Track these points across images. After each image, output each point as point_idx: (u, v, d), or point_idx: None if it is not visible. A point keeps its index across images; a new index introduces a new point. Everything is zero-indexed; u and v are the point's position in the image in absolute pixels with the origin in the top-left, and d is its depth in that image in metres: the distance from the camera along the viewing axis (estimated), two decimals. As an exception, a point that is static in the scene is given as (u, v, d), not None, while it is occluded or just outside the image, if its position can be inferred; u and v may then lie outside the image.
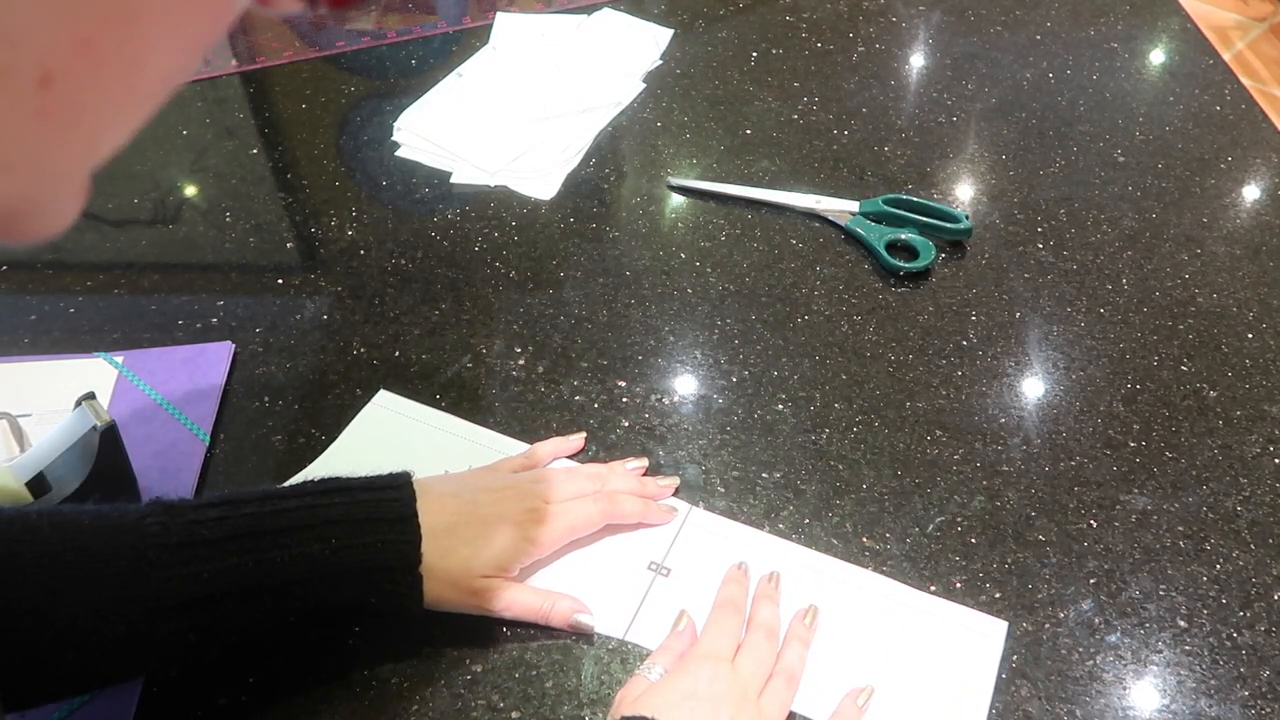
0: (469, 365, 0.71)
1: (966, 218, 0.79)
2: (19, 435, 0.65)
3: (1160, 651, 0.55)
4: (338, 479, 0.54)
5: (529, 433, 0.66)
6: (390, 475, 0.55)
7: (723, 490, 0.63)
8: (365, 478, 0.54)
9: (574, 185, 0.86)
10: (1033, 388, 0.69)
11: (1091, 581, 0.58)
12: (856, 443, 0.65)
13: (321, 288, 0.77)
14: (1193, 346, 0.72)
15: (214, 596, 0.48)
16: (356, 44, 1.04)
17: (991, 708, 0.53)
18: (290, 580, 0.50)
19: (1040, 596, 0.57)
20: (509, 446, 0.65)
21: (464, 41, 1.04)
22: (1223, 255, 0.78)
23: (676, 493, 0.62)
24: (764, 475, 0.63)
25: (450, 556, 0.54)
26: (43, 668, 0.46)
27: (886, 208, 0.81)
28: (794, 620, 0.56)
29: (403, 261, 0.79)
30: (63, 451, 0.54)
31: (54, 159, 0.23)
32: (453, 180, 0.87)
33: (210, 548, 0.48)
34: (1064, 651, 0.55)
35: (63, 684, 0.48)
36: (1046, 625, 0.56)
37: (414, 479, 0.55)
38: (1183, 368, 0.70)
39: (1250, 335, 0.72)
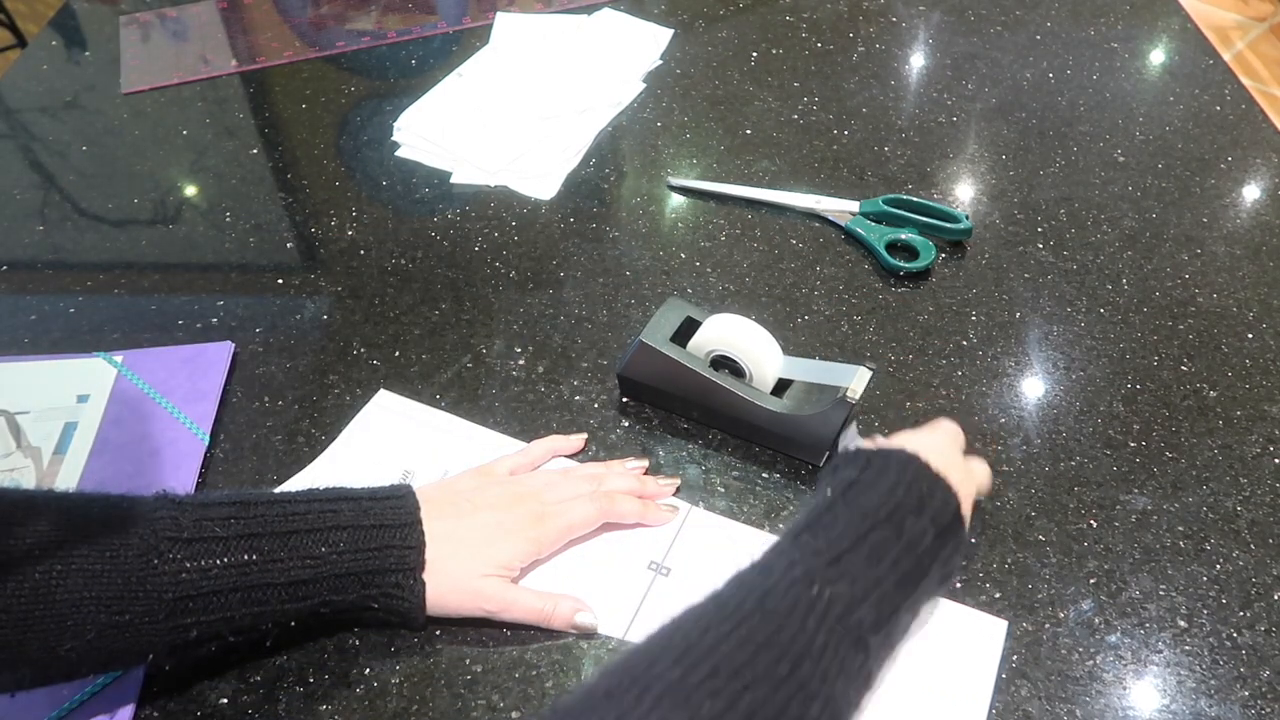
0: (469, 365, 0.71)
1: (966, 218, 0.79)
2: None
3: (1160, 651, 0.55)
4: (343, 488, 0.55)
5: (529, 433, 0.66)
6: (393, 486, 0.56)
7: (723, 490, 0.63)
8: (369, 488, 0.56)
9: (574, 185, 0.86)
10: (1033, 388, 0.69)
11: (1091, 581, 0.58)
12: (856, 443, 0.65)
13: (321, 288, 0.77)
14: (1193, 346, 0.72)
15: (220, 591, 0.48)
16: (356, 44, 1.04)
17: (991, 708, 0.53)
18: (296, 580, 0.50)
19: (1040, 596, 0.57)
20: (509, 446, 0.65)
21: (464, 41, 1.04)
22: (1223, 255, 0.78)
23: (676, 493, 0.62)
24: (764, 475, 0.63)
25: (451, 560, 0.54)
26: (41, 651, 0.46)
27: (886, 208, 0.81)
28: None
29: (403, 261, 0.79)
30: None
31: None
32: (453, 180, 0.87)
33: (220, 544, 0.49)
34: (1064, 651, 0.55)
35: (60, 669, 0.47)
36: (1046, 625, 0.56)
37: (415, 488, 0.56)
38: (1183, 368, 0.70)
39: (1250, 335, 0.72)
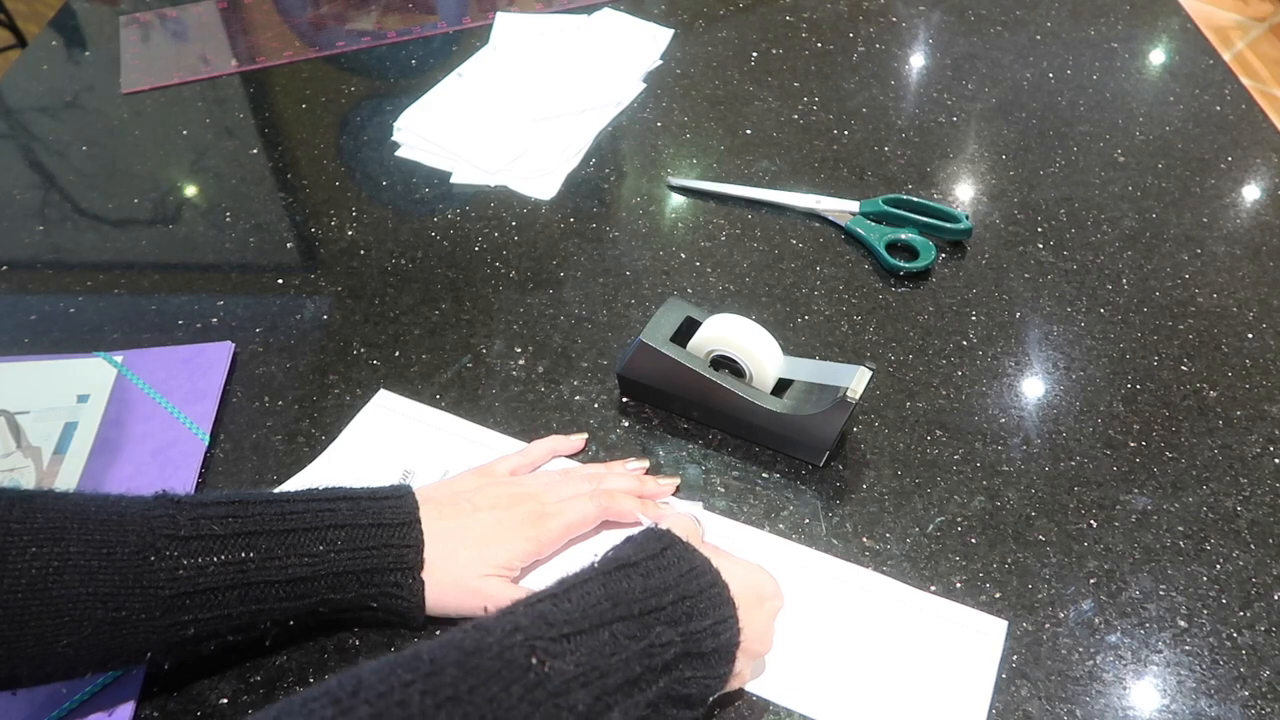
0: (469, 365, 0.71)
1: (966, 218, 0.79)
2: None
3: (1160, 651, 0.55)
4: (342, 488, 0.55)
5: (529, 433, 0.66)
6: (392, 485, 0.56)
7: (723, 490, 0.63)
8: (369, 488, 0.55)
9: (574, 185, 0.86)
10: (1033, 388, 0.69)
11: (1091, 581, 0.58)
12: (856, 443, 0.65)
13: (321, 288, 0.77)
14: (1193, 346, 0.71)
15: (217, 589, 0.48)
16: (356, 44, 1.04)
17: (991, 708, 0.53)
18: (293, 578, 0.50)
19: (1040, 596, 0.57)
20: (509, 446, 0.65)
21: (464, 41, 1.04)
22: (1223, 255, 0.78)
23: (676, 492, 0.62)
24: (764, 475, 0.63)
25: (451, 559, 0.54)
26: (38, 647, 0.46)
27: (886, 208, 0.81)
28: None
29: (403, 261, 0.79)
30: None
31: None
32: (453, 180, 0.87)
33: (218, 542, 0.49)
34: (1064, 651, 0.55)
35: (58, 665, 0.47)
36: (1046, 625, 0.56)
37: (414, 488, 0.56)
38: (1183, 368, 0.70)
39: (1250, 335, 0.72)
